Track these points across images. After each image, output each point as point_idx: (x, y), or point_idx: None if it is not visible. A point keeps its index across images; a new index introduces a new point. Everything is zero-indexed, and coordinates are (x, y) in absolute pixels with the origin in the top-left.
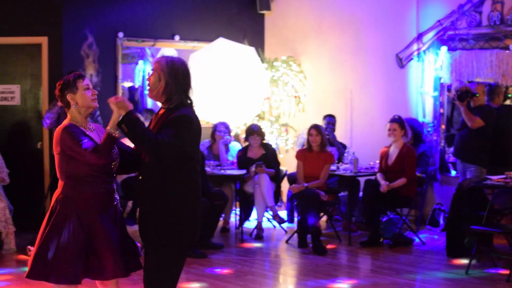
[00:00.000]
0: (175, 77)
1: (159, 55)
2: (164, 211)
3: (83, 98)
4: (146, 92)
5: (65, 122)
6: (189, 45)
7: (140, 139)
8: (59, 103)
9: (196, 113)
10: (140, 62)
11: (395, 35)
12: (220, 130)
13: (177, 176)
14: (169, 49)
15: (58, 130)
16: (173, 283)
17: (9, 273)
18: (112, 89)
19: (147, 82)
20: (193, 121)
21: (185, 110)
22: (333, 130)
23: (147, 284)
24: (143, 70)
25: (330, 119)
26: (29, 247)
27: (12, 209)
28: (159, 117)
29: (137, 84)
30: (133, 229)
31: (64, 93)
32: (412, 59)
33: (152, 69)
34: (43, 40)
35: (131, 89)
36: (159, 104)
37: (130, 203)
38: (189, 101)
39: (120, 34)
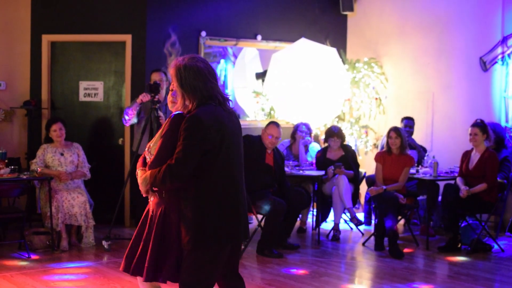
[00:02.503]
0: (200, 81)
1: (241, 54)
2: (190, 212)
3: None
4: (173, 107)
5: None
6: (271, 45)
7: (162, 184)
8: (139, 100)
9: (214, 109)
10: (222, 61)
11: (479, 38)
12: (302, 130)
13: (201, 176)
14: (251, 48)
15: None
16: (209, 281)
17: (87, 266)
18: None
19: (171, 95)
20: (202, 120)
21: (201, 109)
22: (411, 133)
23: (182, 282)
24: (225, 70)
25: (408, 122)
26: (104, 242)
27: (92, 203)
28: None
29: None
30: None
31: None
32: (496, 62)
33: (171, 89)
34: (127, 38)
35: None
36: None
37: None
38: (209, 100)
39: (203, 33)
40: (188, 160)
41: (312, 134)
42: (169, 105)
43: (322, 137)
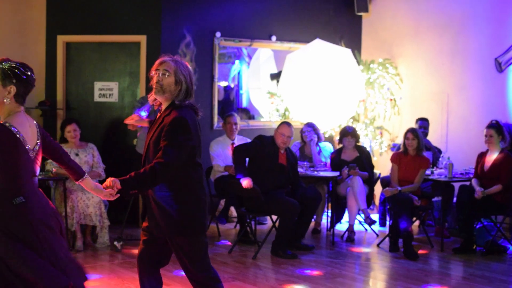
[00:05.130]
0: (191, 82)
1: (255, 55)
2: (180, 205)
3: None
4: (158, 91)
5: None
6: (286, 45)
7: (146, 186)
8: (150, 99)
9: (191, 112)
10: (237, 62)
11: (494, 39)
12: (304, 130)
13: (185, 176)
14: (265, 49)
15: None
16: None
17: (102, 266)
18: (209, 88)
19: (158, 82)
20: (189, 122)
21: (183, 111)
22: (426, 134)
23: (202, 269)
24: (240, 70)
25: (423, 123)
26: (116, 242)
27: (107, 204)
28: (158, 119)
29: (233, 83)
30: (225, 228)
31: None
32: (511, 63)
33: (165, 70)
34: (142, 39)
35: (227, 89)
36: (160, 103)
37: (222, 202)
38: (188, 102)
39: (218, 34)
40: (177, 157)
41: (320, 132)
42: (156, 85)
43: (337, 138)
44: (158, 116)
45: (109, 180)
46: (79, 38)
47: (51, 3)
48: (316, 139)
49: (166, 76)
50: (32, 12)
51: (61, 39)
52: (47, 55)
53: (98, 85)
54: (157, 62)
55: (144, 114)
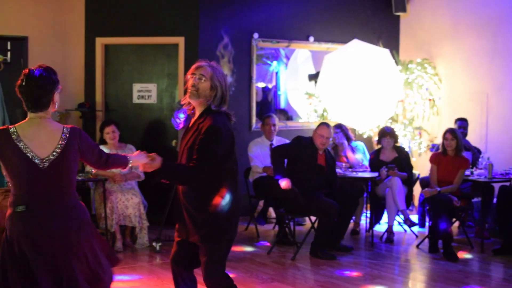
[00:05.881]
0: (226, 89)
1: (293, 56)
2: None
3: None
4: (193, 95)
5: None
6: (324, 46)
7: (177, 180)
8: (183, 102)
9: (225, 119)
10: (274, 63)
11: None
12: (333, 132)
13: (218, 182)
14: (303, 50)
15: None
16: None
17: (141, 267)
18: (247, 89)
19: (193, 86)
20: (223, 130)
21: (217, 118)
22: (465, 134)
23: (213, 275)
24: (277, 71)
25: (462, 123)
26: (155, 243)
27: (146, 205)
28: (192, 125)
29: (271, 84)
30: (264, 228)
31: None
32: None
33: (202, 74)
34: (180, 40)
35: (265, 90)
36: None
37: (261, 203)
38: (223, 108)
39: (255, 35)
40: (209, 165)
41: (349, 132)
42: (191, 88)
43: (375, 138)
44: (192, 122)
45: (155, 156)
46: (118, 40)
47: (90, 6)
48: (346, 141)
49: (202, 80)
50: (71, 15)
51: (100, 42)
52: (86, 57)
53: (136, 86)
54: (194, 66)
55: (182, 116)
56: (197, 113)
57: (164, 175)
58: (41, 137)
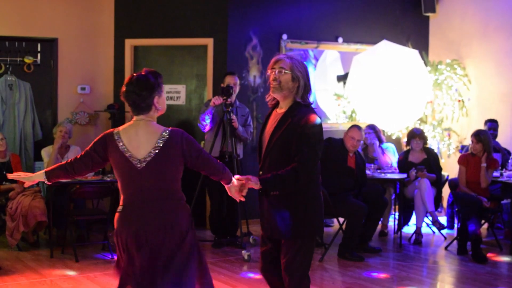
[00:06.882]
0: (307, 78)
1: (322, 57)
2: (304, 207)
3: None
4: (276, 89)
5: None
6: (352, 47)
7: (288, 187)
8: (212, 104)
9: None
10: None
11: None
12: (365, 133)
13: (312, 178)
14: (332, 51)
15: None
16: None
17: None
18: None
19: (275, 80)
20: (322, 129)
21: (314, 116)
22: (495, 136)
23: (295, 272)
24: None
25: (492, 124)
26: None
27: None
28: (281, 118)
29: None
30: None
31: None
32: None
33: (281, 67)
34: (209, 42)
35: None
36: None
37: None
38: (309, 98)
39: (284, 36)
40: (315, 163)
41: (381, 133)
42: (273, 83)
43: (404, 140)
44: (276, 115)
45: (245, 179)
46: (147, 41)
47: (120, 8)
48: (377, 142)
49: (283, 73)
50: (101, 17)
51: (129, 43)
52: (115, 58)
53: (165, 87)
54: (272, 60)
55: (208, 118)
56: (284, 107)
57: (272, 191)
58: (139, 138)
